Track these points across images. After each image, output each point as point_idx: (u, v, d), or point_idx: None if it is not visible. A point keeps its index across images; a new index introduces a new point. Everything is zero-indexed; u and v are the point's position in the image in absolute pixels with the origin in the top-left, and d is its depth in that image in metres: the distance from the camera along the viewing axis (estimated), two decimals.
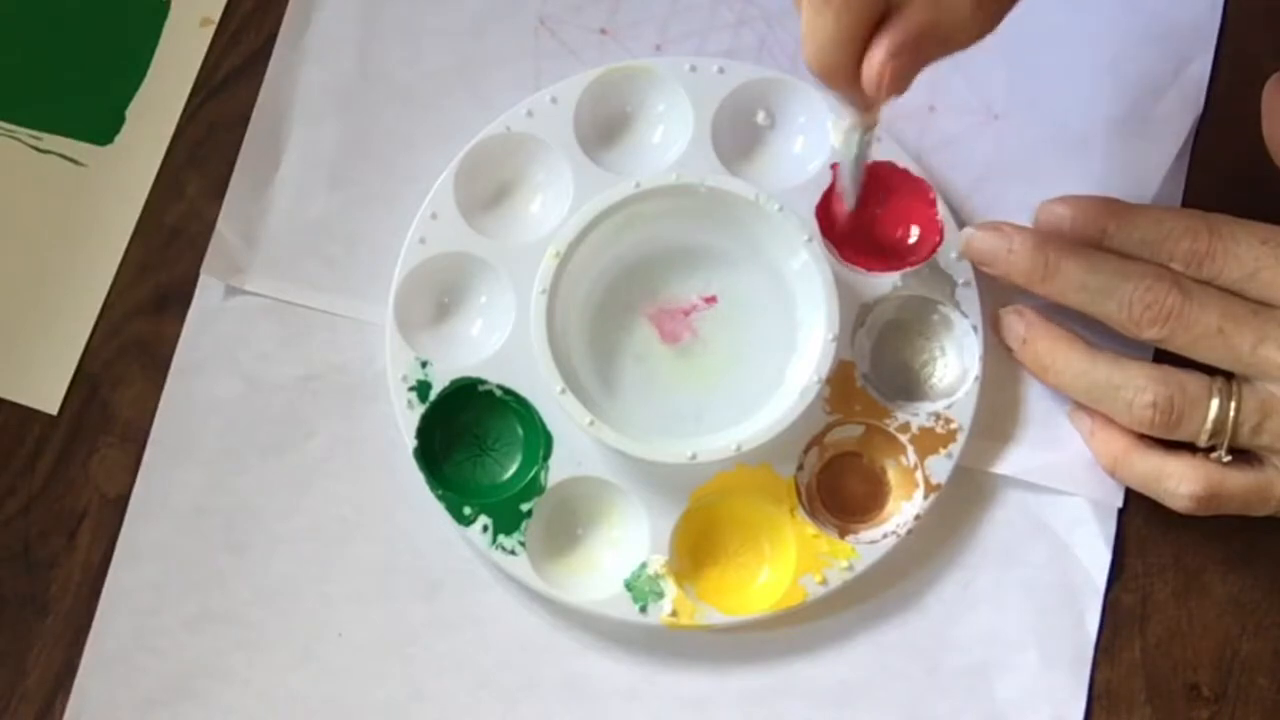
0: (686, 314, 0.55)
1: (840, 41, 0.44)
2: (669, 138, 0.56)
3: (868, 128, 0.50)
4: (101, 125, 0.58)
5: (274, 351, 0.57)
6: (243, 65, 0.59)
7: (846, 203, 0.54)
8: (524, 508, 0.54)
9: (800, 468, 0.54)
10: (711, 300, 0.55)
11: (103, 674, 0.55)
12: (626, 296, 0.55)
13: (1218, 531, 0.55)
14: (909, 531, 0.54)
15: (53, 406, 0.57)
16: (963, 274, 0.55)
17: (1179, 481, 0.52)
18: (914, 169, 0.56)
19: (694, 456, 0.52)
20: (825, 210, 0.55)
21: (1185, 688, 0.55)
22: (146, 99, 0.58)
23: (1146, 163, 0.57)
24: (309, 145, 0.58)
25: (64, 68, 0.59)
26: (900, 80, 0.44)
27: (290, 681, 0.55)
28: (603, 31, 0.59)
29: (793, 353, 0.54)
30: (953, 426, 0.54)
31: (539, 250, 0.53)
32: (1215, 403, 0.51)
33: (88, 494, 0.56)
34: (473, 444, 0.55)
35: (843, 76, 0.45)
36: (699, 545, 0.55)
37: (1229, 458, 0.52)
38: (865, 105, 0.48)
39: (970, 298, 0.55)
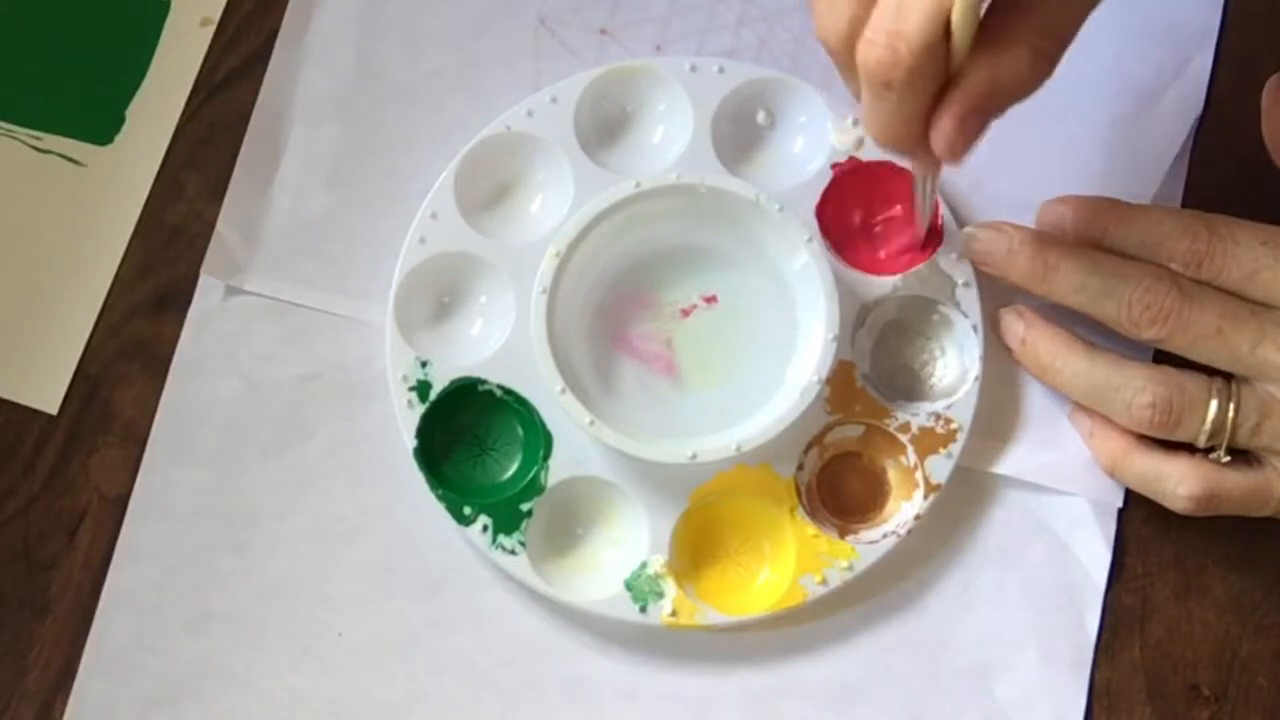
0: (663, 339, 0.55)
1: (905, 120, 0.44)
2: (669, 138, 0.56)
3: (934, 175, 0.51)
4: (101, 125, 0.58)
5: (274, 351, 0.57)
6: (243, 65, 0.59)
7: (921, 232, 0.55)
8: (524, 508, 0.54)
9: (800, 468, 0.54)
10: (711, 300, 0.55)
11: (103, 674, 0.55)
12: (626, 298, 0.55)
13: (1218, 531, 0.55)
14: (909, 531, 0.54)
15: (53, 406, 0.57)
16: (963, 274, 0.55)
17: (1178, 482, 0.52)
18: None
19: (694, 456, 0.52)
20: (825, 210, 0.55)
21: (1185, 688, 0.55)
22: (146, 99, 0.58)
23: (1146, 163, 0.57)
24: (309, 145, 0.58)
25: (64, 68, 0.59)
26: (971, 143, 0.44)
27: (290, 681, 0.55)
28: (603, 31, 0.59)
29: (793, 353, 0.54)
30: (953, 426, 0.54)
31: (539, 250, 0.53)
32: (1214, 403, 0.52)
33: (88, 494, 0.56)
34: (473, 444, 0.55)
35: (910, 148, 0.45)
36: (699, 545, 0.55)
37: (1228, 458, 0.52)
38: (931, 164, 0.48)
39: (970, 298, 0.55)
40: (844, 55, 0.44)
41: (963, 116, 0.43)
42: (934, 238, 0.55)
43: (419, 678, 0.55)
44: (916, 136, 0.44)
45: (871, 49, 0.42)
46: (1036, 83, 0.44)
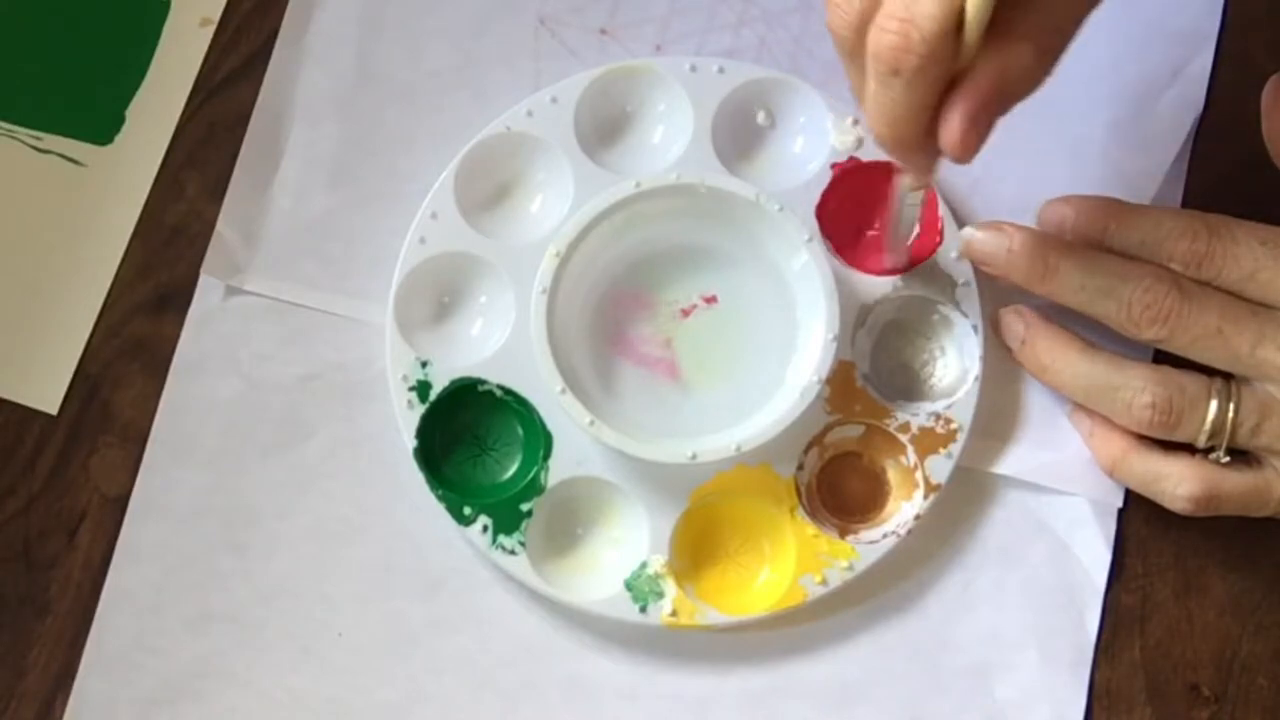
0: (663, 340, 0.55)
1: (912, 113, 0.44)
2: (669, 138, 0.56)
3: (925, 186, 0.51)
4: (101, 125, 0.58)
5: (274, 351, 0.57)
6: (243, 65, 0.59)
7: (896, 258, 0.54)
8: (524, 508, 0.54)
9: (800, 468, 0.54)
10: (711, 300, 0.55)
11: (103, 674, 0.55)
12: (626, 298, 0.55)
13: (1218, 531, 0.55)
14: (909, 531, 0.54)
15: (53, 406, 0.57)
16: (963, 274, 0.55)
17: (1177, 482, 0.52)
18: None
19: (694, 456, 0.52)
20: (825, 210, 0.55)
21: (1185, 688, 0.55)
22: (146, 99, 0.58)
23: (1146, 163, 0.57)
24: (309, 145, 0.58)
25: (64, 68, 0.59)
26: (982, 141, 0.44)
27: (290, 681, 0.55)
28: (603, 31, 0.59)
29: (793, 353, 0.54)
30: (953, 426, 0.54)
31: (539, 250, 0.53)
32: (1214, 404, 0.52)
33: (88, 494, 0.56)
34: (473, 444, 0.55)
35: (913, 146, 0.45)
36: (699, 545, 0.55)
37: (1228, 459, 0.52)
38: (927, 168, 0.48)
39: (970, 298, 0.55)
40: (853, 45, 0.44)
41: (974, 112, 0.43)
42: (911, 260, 0.55)
43: (419, 678, 0.55)
44: (919, 132, 0.44)
45: (883, 35, 0.42)
46: (1040, 79, 0.44)
